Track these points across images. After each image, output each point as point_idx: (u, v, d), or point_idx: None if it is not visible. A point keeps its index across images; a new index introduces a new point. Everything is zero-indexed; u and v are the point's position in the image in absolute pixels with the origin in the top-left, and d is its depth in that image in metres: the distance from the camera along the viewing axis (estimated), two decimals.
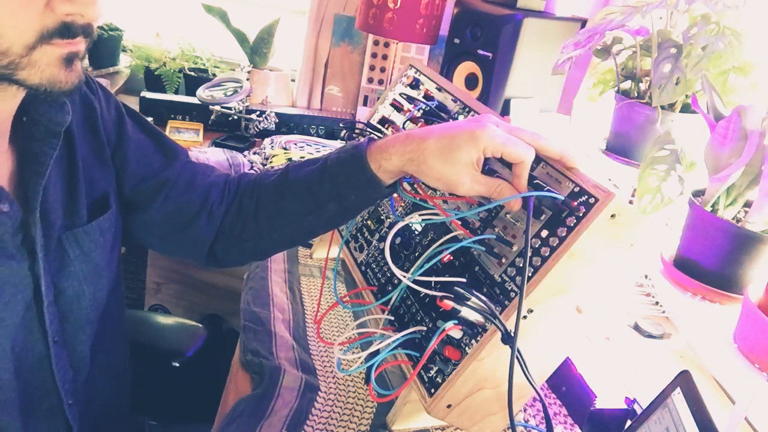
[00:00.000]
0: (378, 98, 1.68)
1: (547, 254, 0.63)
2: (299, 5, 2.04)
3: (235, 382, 0.87)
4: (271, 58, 1.96)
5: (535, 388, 0.66)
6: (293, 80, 2.02)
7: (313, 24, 1.91)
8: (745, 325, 0.87)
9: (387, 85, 1.88)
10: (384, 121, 0.98)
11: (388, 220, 0.91)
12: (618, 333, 0.96)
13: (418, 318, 0.75)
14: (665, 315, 1.03)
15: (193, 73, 1.93)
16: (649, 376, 0.85)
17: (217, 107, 1.76)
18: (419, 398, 0.71)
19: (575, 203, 0.63)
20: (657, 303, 1.05)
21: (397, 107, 0.98)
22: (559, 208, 0.64)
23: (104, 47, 1.90)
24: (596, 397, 0.82)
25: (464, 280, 0.69)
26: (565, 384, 0.87)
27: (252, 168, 1.57)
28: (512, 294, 0.66)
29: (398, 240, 0.84)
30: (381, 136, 0.86)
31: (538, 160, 0.69)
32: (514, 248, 0.68)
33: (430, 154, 0.66)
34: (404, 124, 0.93)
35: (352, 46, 1.96)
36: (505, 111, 1.45)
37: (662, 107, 1.03)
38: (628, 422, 0.79)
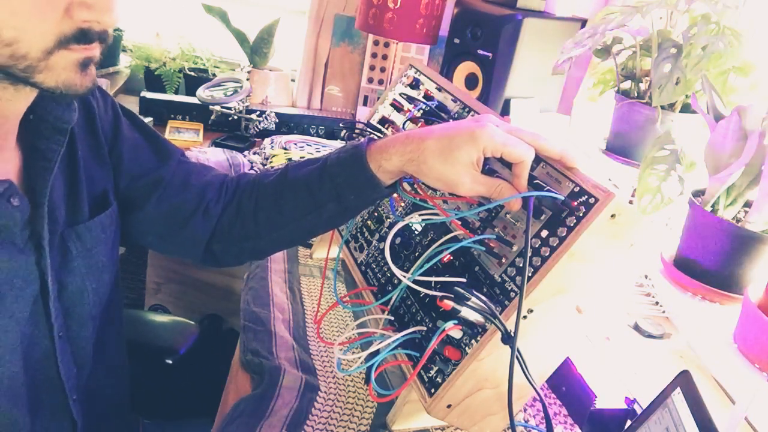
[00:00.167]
0: (378, 98, 1.68)
1: (547, 254, 0.63)
2: (299, 5, 2.04)
3: (235, 382, 0.87)
4: (271, 58, 1.96)
5: (535, 388, 0.66)
6: (293, 80, 2.02)
7: (313, 24, 1.91)
8: (745, 325, 0.87)
9: (387, 85, 1.88)
10: (384, 121, 0.98)
11: (388, 220, 0.91)
12: (618, 333, 0.96)
13: (418, 318, 0.75)
14: (665, 315, 1.03)
15: (193, 73, 1.93)
16: (649, 376, 0.85)
17: (217, 107, 1.76)
18: (419, 398, 0.71)
19: (575, 203, 0.63)
20: (657, 303, 1.05)
21: (397, 107, 0.98)
22: (559, 208, 0.64)
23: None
24: (596, 397, 0.82)
25: (464, 280, 0.69)
26: (565, 384, 0.87)
27: (252, 168, 1.57)
28: (512, 294, 0.66)
29: (398, 240, 0.84)
30: (381, 136, 0.86)
31: (538, 160, 0.69)
32: (514, 248, 0.68)
33: (430, 154, 0.66)
34: (404, 124, 0.93)
35: (352, 46, 1.96)
36: (505, 111, 1.45)
37: (662, 107, 1.03)
38: (628, 422, 0.79)
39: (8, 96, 0.59)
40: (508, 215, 0.70)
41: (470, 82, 1.50)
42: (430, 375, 0.70)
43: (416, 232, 0.82)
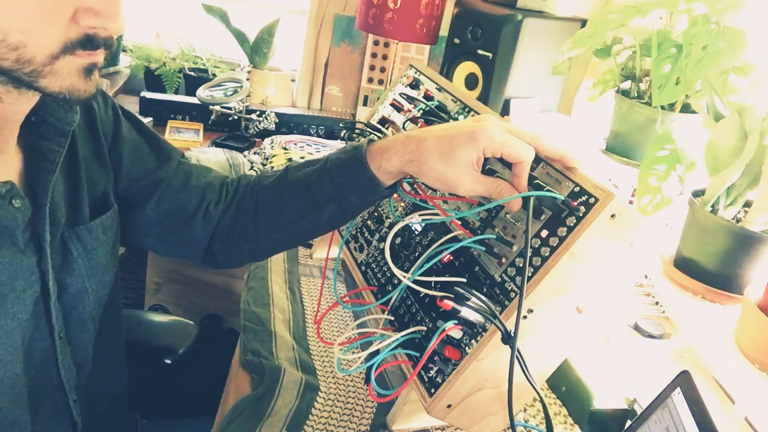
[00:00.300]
0: (378, 98, 1.68)
1: (547, 254, 0.63)
2: (299, 5, 2.04)
3: (235, 382, 0.87)
4: (271, 58, 1.96)
5: (535, 388, 0.66)
6: (293, 80, 2.02)
7: (313, 24, 1.91)
8: (745, 325, 0.87)
9: (387, 85, 1.88)
10: (384, 121, 0.98)
11: (388, 220, 0.91)
12: (618, 333, 0.96)
13: (418, 318, 0.75)
14: (665, 315, 1.03)
15: (193, 73, 1.93)
16: (649, 376, 0.85)
17: (217, 107, 1.76)
18: (419, 398, 0.71)
19: (575, 203, 0.63)
20: (657, 303, 1.05)
21: (397, 107, 0.98)
22: (559, 208, 0.64)
23: None
24: (596, 397, 0.82)
25: (464, 280, 0.69)
26: (565, 384, 0.87)
27: (252, 168, 1.57)
28: (512, 294, 0.66)
29: (398, 240, 0.84)
30: (381, 136, 0.86)
31: (538, 160, 0.69)
32: (514, 248, 0.68)
33: (429, 154, 0.66)
34: (404, 124, 0.93)
35: (352, 46, 1.96)
36: (505, 111, 1.45)
37: (662, 107, 1.03)
38: (628, 422, 0.79)
39: (11, 99, 0.60)
40: (508, 215, 0.70)
41: (470, 82, 1.50)
42: (430, 375, 0.70)
43: (416, 232, 0.82)
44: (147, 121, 1.71)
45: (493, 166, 0.71)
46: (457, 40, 1.49)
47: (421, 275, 0.71)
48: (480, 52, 1.43)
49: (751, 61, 0.97)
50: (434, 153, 0.66)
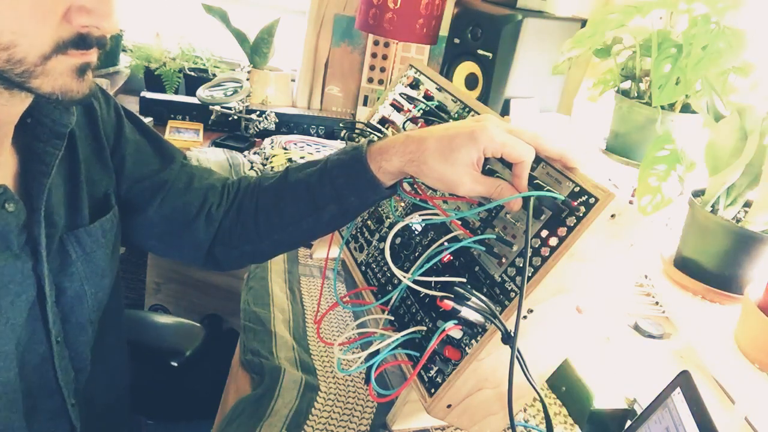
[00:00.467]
0: (378, 98, 1.68)
1: (547, 254, 0.63)
2: (299, 5, 2.04)
3: (235, 382, 0.87)
4: (271, 58, 1.96)
5: (535, 388, 0.66)
6: (293, 80, 2.02)
7: (313, 24, 1.91)
8: (745, 325, 0.87)
9: (387, 85, 1.88)
10: (384, 121, 0.98)
11: (388, 220, 0.91)
12: (618, 333, 0.96)
13: (418, 318, 0.75)
14: (665, 315, 1.03)
15: (193, 73, 1.93)
16: (649, 376, 0.85)
17: (217, 107, 1.76)
18: (419, 398, 0.71)
19: (575, 203, 0.63)
20: (657, 303, 1.05)
21: (397, 107, 0.98)
22: (559, 208, 0.64)
23: None
24: (596, 397, 0.82)
25: (464, 280, 0.69)
26: (565, 384, 0.87)
27: (252, 168, 1.57)
28: (512, 294, 0.66)
29: (398, 240, 0.84)
30: (381, 136, 0.86)
31: (538, 160, 0.69)
32: (514, 248, 0.68)
33: (430, 154, 0.66)
34: (404, 124, 0.93)
35: (352, 46, 1.96)
36: (505, 111, 1.45)
37: (662, 107, 1.03)
38: (628, 422, 0.79)
39: (3, 101, 0.58)
40: (508, 215, 0.70)
41: (470, 82, 1.50)
42: (430, 375, 0.70)
43: (416, 232, 0.82)
44: (147, 121, 1.71)
45: (493, 166, 0.71)
46: (457, 40, 1.49)
47: (421, 275, 0.71)
48: (480, 52, 1.43)
49: (751, 61, 0.97)
50: (434, 153, 0.66)
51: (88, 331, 0.74)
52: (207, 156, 1.60)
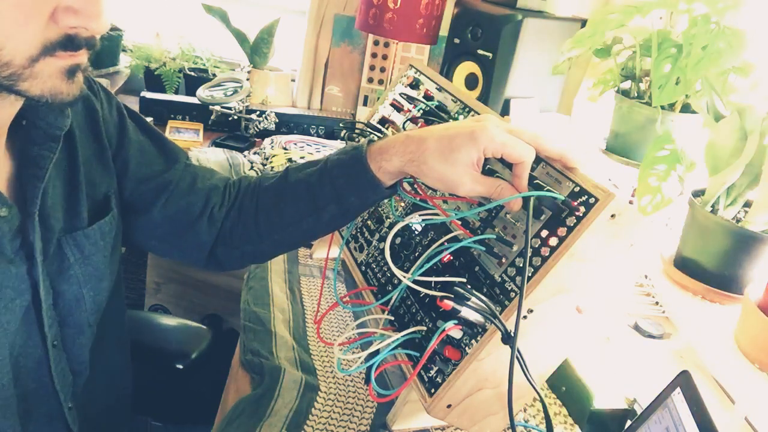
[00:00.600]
0: (378, 98, 1.68)
1: (547, 254, 0.63)
2: (299, 5, 2.04)
3: (235, 382, 0.87)
4: (271, 58, 1.96)
5: (535, 388, 0.66)
6: (293, 80, 2.02)
7: (313, 24, 1.91)
8: (745, 325, 0.87)
9: (387, 85, 1.88)
10: (384, 121, 0.98)
11: (388, 220, 0.91)
12: (618, 333, 0.96)
13: (418, 318, 0.75)
14: (665, 315, 1.03)
15: (193, 73, 1.93)
16: (649, 376, 0.85)
17: (217, 107, 1.76)
18: (419, 398, 0.71)
19: (575, 203, 0.63)
20: (657, 303, 1.05)
21: (397, 107, 0.98)
22: (559, 208, 0.64)
23: (104, 47, 1.90)
24: (596, 397, 0.82)
25: (464, 280, 0.69)
26: (565, 384, 0.87)
27: (252, 168, 1.57)
28: (512, 294, 0.66)
29: (398, 240, 0.84)
30: (381, 136, 0.86)
31: (538, 160, 0.69)
32: (514, 248, 0.68)
33: (430, 154, 0.66)
34: (404, 124, 0.93)
35: (352, 46, 1.96)
36: (505, 111, 1.45)
37: (662, 107, 1.03)
38: (628, 422, 0.79)
39: None
40: (508, 215, 0.70)
41: (470, 82, 1.50)
42: (430, 375, 0.70)
43: (416, 232, 0.82)
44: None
45: (493, 166, 0.71)
46: (457, 40, 1.49)
47: (421, 275, 0.71)
48: (480, 52, 1.43)
49: (751, 61, 0.97)
50: (434, 153, 0.66)
51: (86, 334, 0.74)
52: (207, 156, 1.60)
